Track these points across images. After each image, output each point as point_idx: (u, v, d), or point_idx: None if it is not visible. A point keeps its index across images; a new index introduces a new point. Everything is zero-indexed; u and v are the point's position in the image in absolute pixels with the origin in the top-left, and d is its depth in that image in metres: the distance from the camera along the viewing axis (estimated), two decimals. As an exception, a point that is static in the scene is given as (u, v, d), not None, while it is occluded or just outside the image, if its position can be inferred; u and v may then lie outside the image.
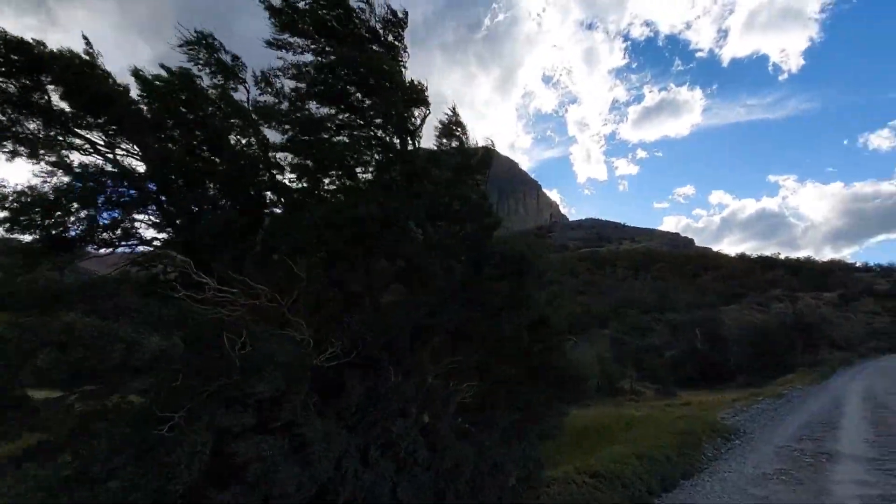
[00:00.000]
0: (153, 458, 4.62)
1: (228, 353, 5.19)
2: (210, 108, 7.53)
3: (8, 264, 6.69)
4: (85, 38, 6.83)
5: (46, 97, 6.41)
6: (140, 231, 7.16)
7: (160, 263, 7.05)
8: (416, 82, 6.38)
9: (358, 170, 7.35)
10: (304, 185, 7.63)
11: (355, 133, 7.11)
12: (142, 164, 7.04)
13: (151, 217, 7.12)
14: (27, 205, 6.10)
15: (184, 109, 7.36)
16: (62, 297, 5.67)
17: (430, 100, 6.42)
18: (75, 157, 6.86)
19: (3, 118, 6.25)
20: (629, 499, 9.66)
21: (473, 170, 8.01)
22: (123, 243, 6.83)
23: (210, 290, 5.47)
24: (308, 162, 7.79)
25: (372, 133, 7.18)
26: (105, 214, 6.29)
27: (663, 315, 60.48)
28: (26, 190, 6.26)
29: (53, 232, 6.24)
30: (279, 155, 7.70)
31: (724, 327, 46.81)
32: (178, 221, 6.63)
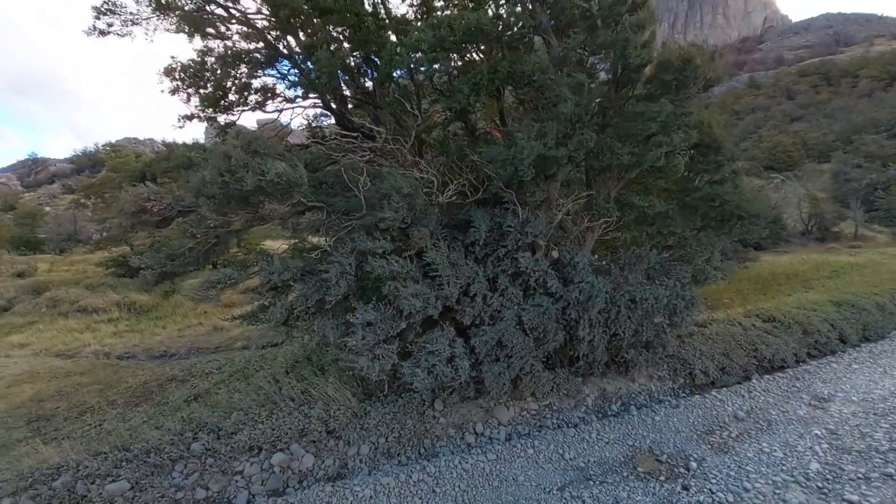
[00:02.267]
0: (315, 277, 5.63)
1: (359, 192, 5.65)
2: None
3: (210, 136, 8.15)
4: None
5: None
6: (285, 92, 7.81)
7: (302, 116, 7.72)
8: None
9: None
10: (417, 12, 7.03)
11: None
12: (269, 23, 7.31)
13: (288, 76, 7.61)
14: (192, 74, 7.06)
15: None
16: (230, 154, 6.76)
17: None
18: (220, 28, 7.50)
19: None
20: (810, 346, 8.47)
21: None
22: (272, 101, 7.56)
23: (334, 135, 5.81)
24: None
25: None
26: (244, 72, 6.89)
27: (925, 138, 44.74)
28: (189, 63, 7.21)
29: (216, 97, 7.22)
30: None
31: None
32: (303, 68, 6.88)
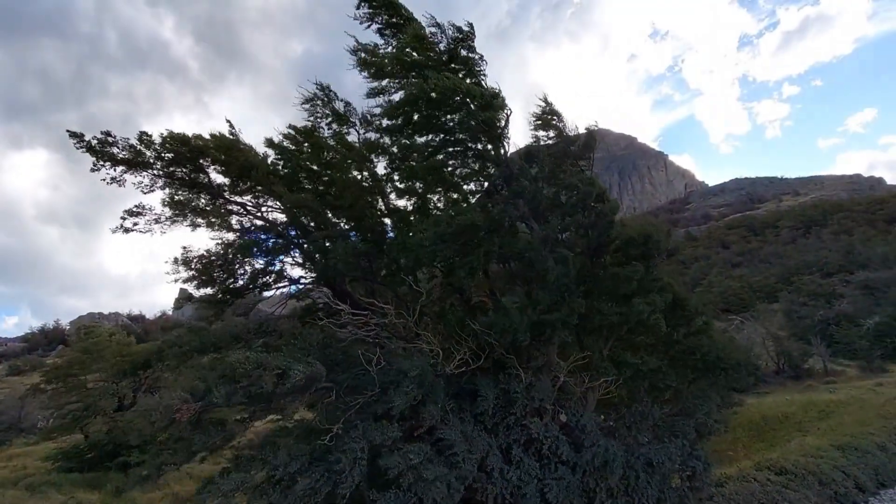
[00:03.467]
0: (323, 465, 5.34)
1: (369, 371, 5.78)
2: (330, 154, 8.52)
3: (203, 315, 8.40)
4: (228, 121, 8.26)
5: (207, 177, 7.91)
6: (290, 273, 8.40)
7: (308, 297, 8.18)
8: (489, 88, 6.46)
9: (458, 181, 7.62)
10: (414, 205, 8.17)
11: (450, 149, 7.37)
12: (282, 215, 8.26)
13: (295, 258, 8.30)
14: (206, 264, 7.60)
15: (310, 163, 8.44)
16: (241, 337, 6.93)
17: (506, 101, 6.41)
18: (234, 221, 8.37)
19: (182, 198, 7.88)
20: (831, 498, 8.14)
21: (575, 156, 7.70)
22: (279, 284, 8.08)
23: (346, 314, 6.17)
24: (416, 184, 8.32)
25: (467, 147, 7.38)
26: (260, 262, 7.50)
27: (853, 276, 49.70)
28: (205, 253, 7.82)
29: (228, 283, 7.69)
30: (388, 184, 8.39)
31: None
32: (315, 257, 7.57)
